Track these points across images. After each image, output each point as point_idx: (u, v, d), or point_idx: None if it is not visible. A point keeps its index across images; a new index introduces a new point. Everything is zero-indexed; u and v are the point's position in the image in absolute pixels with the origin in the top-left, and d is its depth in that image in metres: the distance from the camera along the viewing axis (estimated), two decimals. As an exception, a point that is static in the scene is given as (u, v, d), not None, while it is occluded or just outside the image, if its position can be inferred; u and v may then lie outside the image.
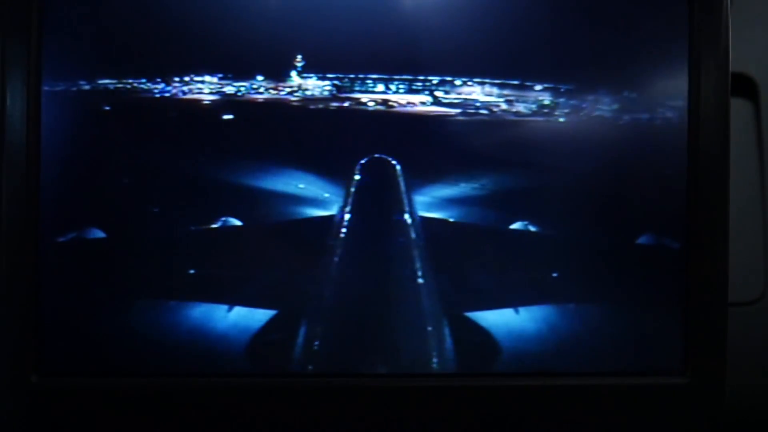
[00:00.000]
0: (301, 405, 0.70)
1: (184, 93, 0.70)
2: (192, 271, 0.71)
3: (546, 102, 0.71)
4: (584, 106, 0.72)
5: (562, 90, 0.72)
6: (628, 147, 0.72)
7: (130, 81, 0.70)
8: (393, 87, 0.71)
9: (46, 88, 0.69)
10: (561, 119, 0.72)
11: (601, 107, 0.72)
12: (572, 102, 0.72)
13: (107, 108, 0.70)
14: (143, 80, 0.70)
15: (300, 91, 0.71)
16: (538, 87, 0.71)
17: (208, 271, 0.71)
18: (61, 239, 0.70)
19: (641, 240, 0.72)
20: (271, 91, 0.71)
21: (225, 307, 0.71)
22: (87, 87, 0.70)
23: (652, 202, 0.72)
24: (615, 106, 0.72)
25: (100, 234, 0.70)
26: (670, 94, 0.72)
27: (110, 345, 0.70)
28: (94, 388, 0.69)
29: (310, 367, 0.71)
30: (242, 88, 0.71)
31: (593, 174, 0.72)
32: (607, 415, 0.71)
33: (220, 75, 0.70)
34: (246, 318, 0.71)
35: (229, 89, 0.70)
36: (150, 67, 0.70)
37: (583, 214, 0.72)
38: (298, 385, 0.70)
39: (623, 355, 0.72)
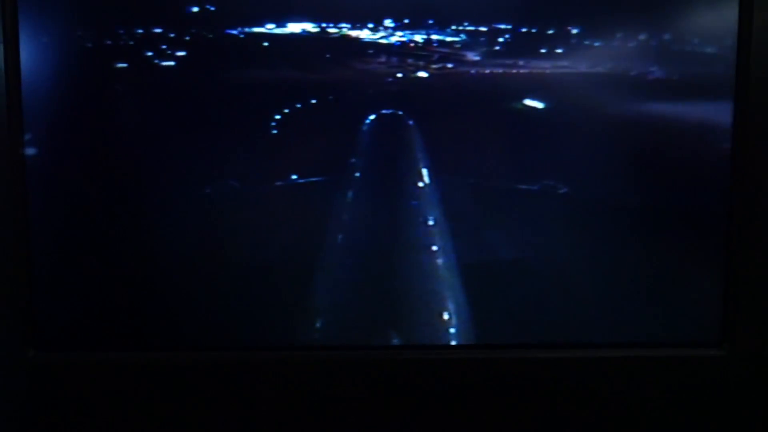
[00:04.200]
0: (309, 379, 0.66)
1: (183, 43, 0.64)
2: (193, 239, 0.66)
3: (576, 51, 0.64)
4: (617, 56, 0.65)
5: (591, 37, 0.64)
6: (668, 101, 0.65)
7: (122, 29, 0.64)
8: (406, 38, 0.64)
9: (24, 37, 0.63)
10: (591, 70, 0.65)
11: (635, 59, 0.65)
12: (603, 51, 0.64)
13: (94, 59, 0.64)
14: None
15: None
16: (571, 31, 0.64)
17: (210, 239, 0.66)
18: (53, 208, 0.65)
19: (679, 204, 0.66)
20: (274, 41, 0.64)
21: (228, 277, 0.67)
22: (71, 36, 0.64)
23: (693, 164, 0.66)
24: (652, 57, 0.65)
25: (95, 202, 0.65)
26: (716, 34, 0.64)
27: (108, 318, 0.67)
28: (92, 362, 0.66)
29: (318, 339, 0.67)
30: (247, 37, 0.64)
31: (627, 132, 0.66)
32: (639, 389, 0.67)
33: (224, 22, 0.64)
34: (251, 289, 0.67)
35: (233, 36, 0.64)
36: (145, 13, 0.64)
37: (616, 175, 0.66)
38: (306, 358, 0.66)
39: (657, 326, 0.67)
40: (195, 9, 0.64)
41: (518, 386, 0.67)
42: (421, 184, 0.67)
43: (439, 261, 0.67)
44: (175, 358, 0.66)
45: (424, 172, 0.67)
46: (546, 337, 0.67)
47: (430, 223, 0.67)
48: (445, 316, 0.68)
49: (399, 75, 0.65)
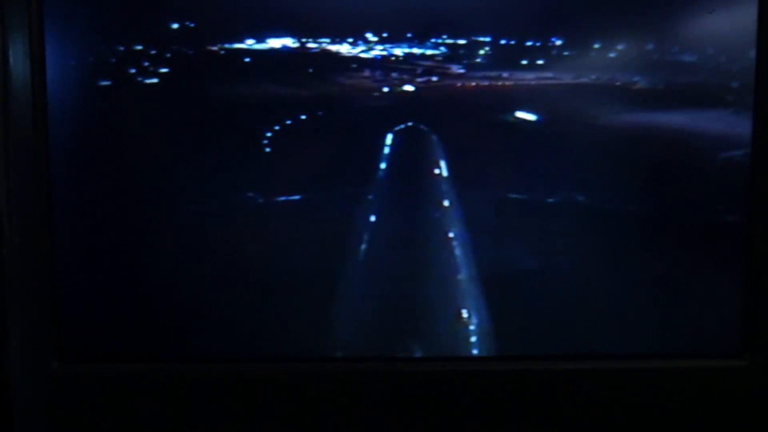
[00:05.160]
0: (330, 391, 0.66)
1: (203, 57, 0.65)
2: (215, 252, 0.67)
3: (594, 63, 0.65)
4: (632, 67, 0.65)
5: (611, 48, 0.65)
6: (684, 110, 0.65)
7: (140, 45, 0.64)
8: (428, 52, 0.65)
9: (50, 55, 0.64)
10: (607, 80, 0.65)
11: (654, 69, 0.65)
12: (620, 60, 0.65)
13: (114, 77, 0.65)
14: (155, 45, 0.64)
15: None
16: (594, 46, 0.65)
17: (232, 252, 0.67)
18: (78, 221, 0.66)
19: (699, 214, 0.66)
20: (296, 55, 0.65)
21: (251, 290, 0.67)
22: (93, 53, 0.64)
23: (712, 172, 0.66)
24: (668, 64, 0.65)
25: (119, 215, 0.66)
26: (734, 41, 0.64)
27: (132, 330, 0.67)
28: (116, 373, 0.66)
29: (338, 351, 0.67)
30: (267, 53, 0.65)
31: (645, 141, 0.66)
32: (659, 400, 0.66)
33: (242, 38, 0.64)
34: (273, 301, 0.67)
35: (252, 53, 0.65)
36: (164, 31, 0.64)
37: (635, 184, 0.66)
38: (327, 371, 0.67)
39: (677, 336, 0.67)
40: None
41: (539, 398, 0.67)
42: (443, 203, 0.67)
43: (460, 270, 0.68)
44: (199, 370, 0.66)
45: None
46: (567, 349, 0.67)
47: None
48: (468, 327, 0.68)
49: (411, 87, 0.65)
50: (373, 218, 0.67)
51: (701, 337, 0.67)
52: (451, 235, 0.67)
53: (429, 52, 0.65)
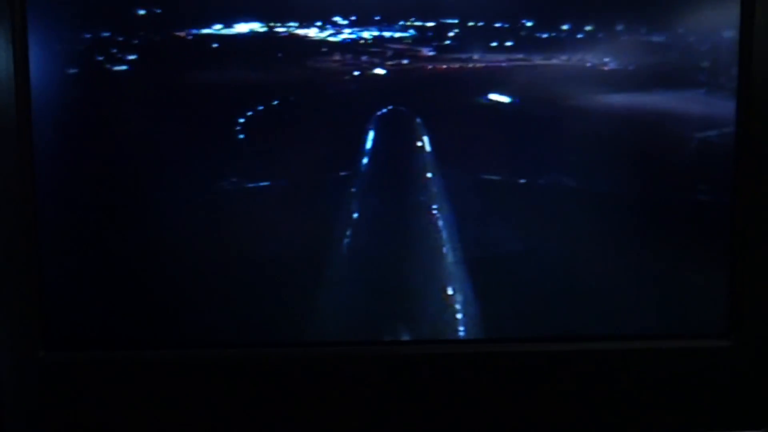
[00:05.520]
0: (319, 375, 0.66)
1: (191, 42, 0.64)
2: (201, 238, 0.66)
3: (581, 45, 0.65)
4: (624, 48, 0.65)
5: (595, 31, 0.65)
6: (671, 92, 0.66)
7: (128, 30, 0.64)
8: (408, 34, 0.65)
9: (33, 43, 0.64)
10: (594, 64, 0.65)
11: (642, 51, 0.65)
12: (608, 43, 0.65)
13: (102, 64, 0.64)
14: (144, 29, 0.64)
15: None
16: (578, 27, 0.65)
17: (217, 238, 0.67)
18: (62, 210, 0.65)
19: (684, 194, 0.66)
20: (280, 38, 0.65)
21: (237, 275, 0.67)
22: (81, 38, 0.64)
23: (697, 153, 0.66)
24: (656, 49, 0.65)
25: (102, 203, 0.66)
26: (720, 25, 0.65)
27: (118, 317, 0.67)
28: (103, 361, 0.66)
29: (326, 335, 0.67)
30: (253, 38, 0.64)
31: (632, 123, 0.66)
32: (646, 380, 0.67)
33: (228, 24, 0.64)
34: (259, 286, 0.67)
35: (237, 38, 0.64)
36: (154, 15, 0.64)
37: (621, 166, 0.66)
38: (315, 354, 0.67)
39: (663, 317, 0.68)
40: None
41: (526, 379, 0.67)
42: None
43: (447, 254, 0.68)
44: (186, 357, 0.66)
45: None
46: (553, 331, 0.67)
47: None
48: (454, 310, 0.68)
49: (398, 68, 0.65)
50: (356, 202, 0.67)
51: (687, 317, 0.67)
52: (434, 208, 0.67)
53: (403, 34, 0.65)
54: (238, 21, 0.64)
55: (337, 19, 0.64)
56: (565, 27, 0.65)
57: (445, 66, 0.65)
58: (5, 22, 0.63)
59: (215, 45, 0.64)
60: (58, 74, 0.64)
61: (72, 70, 0.64)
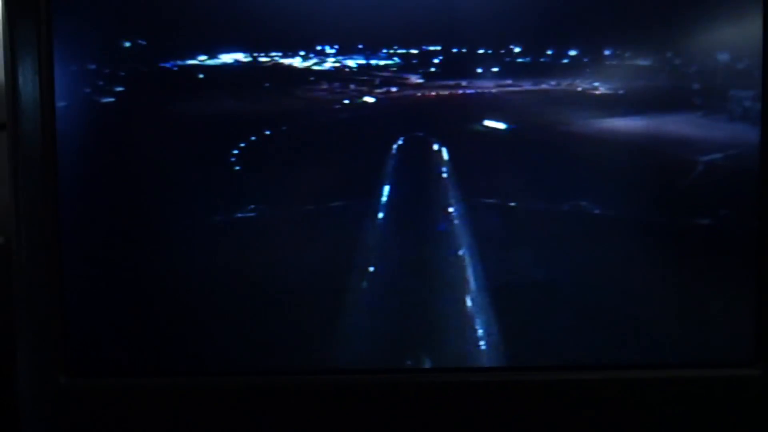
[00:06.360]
0: (339, 402, 0.66)
1: (209, 72, 0.65)
2: (222, 265, 0.67)
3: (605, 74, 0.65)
4: (644, 75, 0.65)
5: (620, 57, 0.65)
6: (699, 122, 0.65)
7: (150, 60, 0.65)
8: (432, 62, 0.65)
9: (59, 72, 0.65)
10: (618, 91, 0.65)
11: (665, 77, 0.65)
12: (630, 71, 0.65)
13: (124, 89, 0.65)
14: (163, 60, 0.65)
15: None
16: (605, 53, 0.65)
17: (240, 265, 0.67)
18: (85, 236, 0.66)
19: (710, 223, 0.66)
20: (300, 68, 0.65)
21: (259, 302, 0.67)
22: (104, 69, 0.65)
23: (724, 182, 0.65)
24: (678, 75, 0.65)
25: (125, 229, 0.66)
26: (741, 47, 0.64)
27: (139, 344, 0.67)
28: (123, 388, 0.66)
29: (347, 364, 0.67)
30: (273, 66, 0.65)
31: (657, 151, 0.65)
32: (672, 410, 0.66)
33: (247, 53, 0.65)
34: (281, 313, 0.67)
35: (257, 66, 0.65)
36: (172, 45, 0.65)
37: (646, 193, 0.66)
38: (336, 382, 0.66)
39: (690, 346, 0.67)
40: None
41: (548, 408, 0.66)
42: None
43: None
44: (207, 384, 0.66)
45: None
46: (578, 359, 0.67)
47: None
48: (477, 338, 0.68)
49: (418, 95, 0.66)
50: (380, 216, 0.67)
51: (714, 346, 0.66)
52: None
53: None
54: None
55: (356, 46, 0.65)
56: (602, 53, 0.65)
57: (460, 92, 0.66)
58: (33, 53, 0.64)
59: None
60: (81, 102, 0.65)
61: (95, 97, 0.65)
